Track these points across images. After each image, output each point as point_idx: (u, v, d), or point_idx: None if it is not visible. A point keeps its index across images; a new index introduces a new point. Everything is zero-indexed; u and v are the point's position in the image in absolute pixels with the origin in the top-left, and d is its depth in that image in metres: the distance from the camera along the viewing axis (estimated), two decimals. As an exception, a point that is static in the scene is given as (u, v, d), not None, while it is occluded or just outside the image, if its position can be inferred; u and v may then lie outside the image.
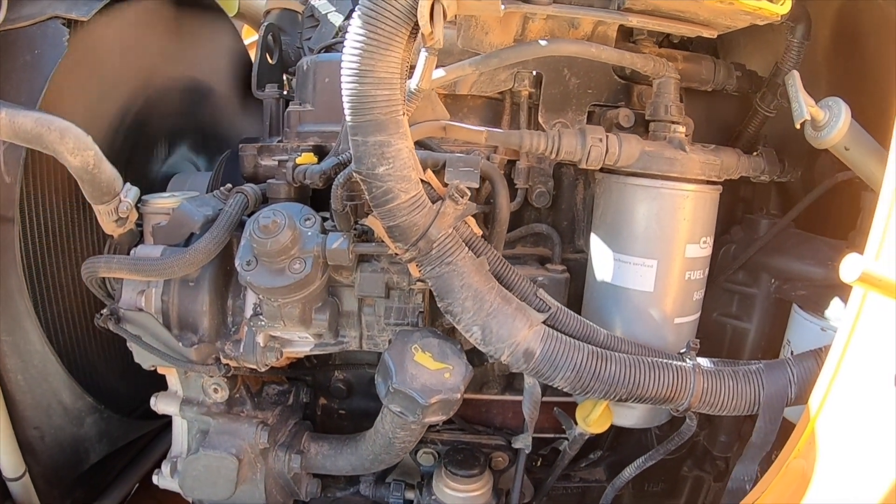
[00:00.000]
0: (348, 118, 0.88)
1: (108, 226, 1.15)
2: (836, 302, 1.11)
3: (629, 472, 1.20)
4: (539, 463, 1.43)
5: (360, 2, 0.85)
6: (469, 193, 0.97)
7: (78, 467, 1.31)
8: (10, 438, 1.14)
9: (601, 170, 1.13)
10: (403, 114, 0.90)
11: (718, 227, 1.41)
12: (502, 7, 0.95)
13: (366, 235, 1.07)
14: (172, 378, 1.21)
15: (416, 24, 0.85)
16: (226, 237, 1.09)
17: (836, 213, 1.24)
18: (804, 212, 1.27)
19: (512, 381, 1.38)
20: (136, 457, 1.55)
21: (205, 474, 1.11)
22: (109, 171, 1.10)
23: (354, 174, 0.93)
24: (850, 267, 0.66)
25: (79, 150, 1.04)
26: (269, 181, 1.19)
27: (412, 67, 0.97)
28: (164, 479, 1.20)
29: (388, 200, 0.91)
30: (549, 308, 1.03)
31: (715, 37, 1.09)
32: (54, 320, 1.22)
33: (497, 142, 1.08)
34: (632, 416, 1.19)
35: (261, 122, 1.53)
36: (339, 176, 1.00)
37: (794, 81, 1.06)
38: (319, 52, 1.48)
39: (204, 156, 1.68)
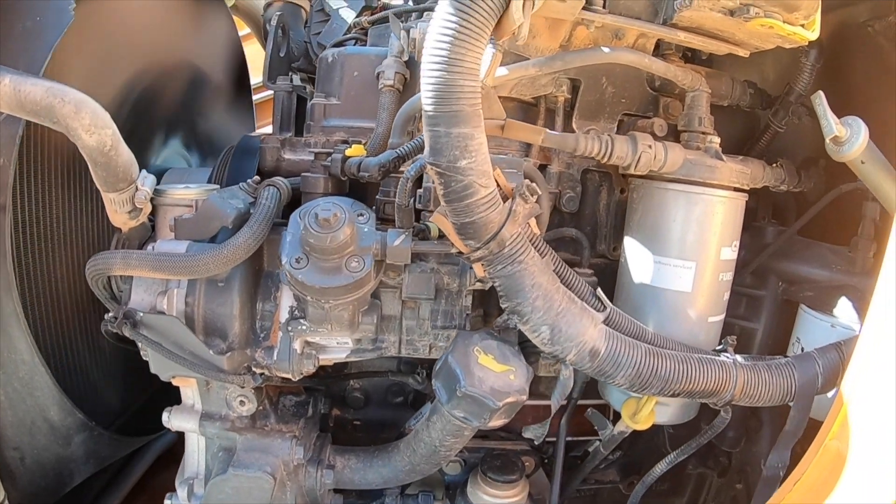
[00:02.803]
0: (430, 108, 0.85)
1: (119, 217, 1.03)
2: (843, 301, 1.21)
3: (661, 467, 1.23)
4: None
5: None
6: (539, 193, 0.96)
7: (59, 491, 1.14)
8: (-16, 463, 0.97)
9: (642, 177, 1.17)
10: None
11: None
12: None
13: (422, 234, 1.03)
14: (189, 390, 1.09)
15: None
16: (265, 232, 1.01)
17: (837, 221, 1.35)
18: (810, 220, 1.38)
19: (531, 386, 1.38)
20: (115, 476, 1.37)
21: (234, 497, 1.00)
22: (127, 155, 0.99)
23: (429, 167, 0.89)
24: None
25: (96, 128, 0.92)
26: (304, 175, 1.11)
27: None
28: (179, 503, 1.07)
29: (467, 196, 0.88)
30: (606, 308, 1.04)
31: (747, 55, 1.17)
32: (45, 325, 1.06)
33: (553, 143, 1.08)
34: (667, 413, 1.22)
35: (249, 121, 1.44)
36: (408, 168, 0.96)
37: (822, 101, 1.15)
38: (333, 46, 1.41)
39: (195, 151, 1.55)
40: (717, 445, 1.47)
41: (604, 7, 1.06)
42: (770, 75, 1.64)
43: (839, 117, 1.22)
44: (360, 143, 1.12)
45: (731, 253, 1.18)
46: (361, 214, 1.00)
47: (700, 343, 1.18)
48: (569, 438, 1.40)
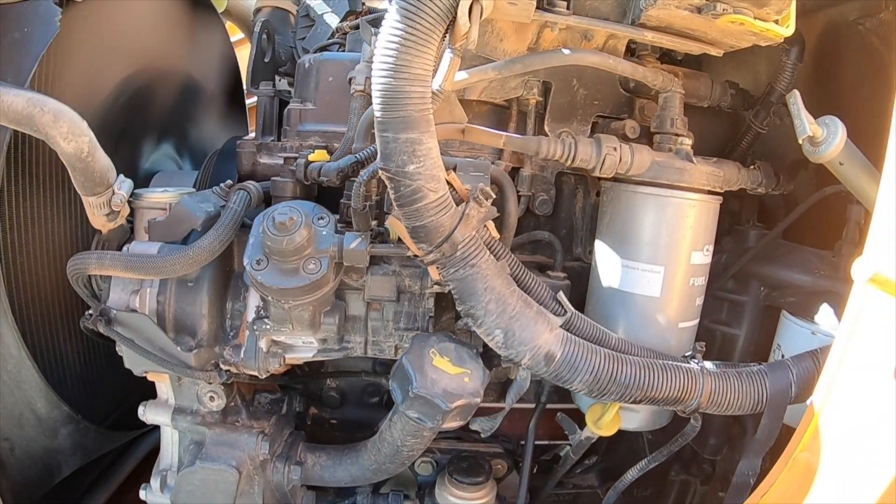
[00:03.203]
0: (379, 114, 0.87)
1: (98, 220, 1.08)
2: (824, 307, 1.18)
3: (632, 474, 1.22)
4: (536, 469, 1.43)
5: None
6: (493, 196, 0.97)
7: (48, 482, 1.21)
8: (-24, 452, 1.04)
9: (611, 179, 1.16)
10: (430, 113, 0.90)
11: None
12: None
13: (381, 237, 1.05)
14: (163, 385, 1.14)
15: (449, 23, 0.85)
16: (231, 235, 1.05)
17: (821, 224, 1.32)
18: (791, 223, 1.34)
19: (508, 389, 1.39)
20: (105, 470, 1.44)
21: (201, 489, 1.05)
22: (103, 161, 1.04)
23: (380, 172, 0.91)
24: (862, 268, 0.73)
25: (73, 136, 0.97)
26: (273, 179, 1.15)
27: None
28: (153, 494, 1.13)
29: (416, 200, 0.89)
30: (566, 312, 1.04)
31: (721, 55, 1.15)
32: (32, 321, 1.13)
33: (515, 146, 1.09)
34: (636, 419, 1.22)
35: (243, 126, 1.49)
36: (362, 173, 0.98)
37: (796, 100, 1.13)
38: (315, 52, 1.45)
39: (187, 155, 1.61)
40: (700, 453, 1.45)
41: (567, 8, 1.06)
42: (763, 75, 1.61)
43: (831, 116, 1.19)
44: (325, 148, 1.14)
45: (702, 257, 1.16)
46: (322, 218, 1.02)
47: (671, 349, 1.17)
48: (544, 442, 1.41)
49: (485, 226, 1.01)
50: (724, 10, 0.94)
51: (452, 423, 0.99)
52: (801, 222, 1.39)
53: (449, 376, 0.98)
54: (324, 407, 1.40)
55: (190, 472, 1.05)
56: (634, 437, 1.47)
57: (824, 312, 1.18)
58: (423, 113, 0.87)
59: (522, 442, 1.41)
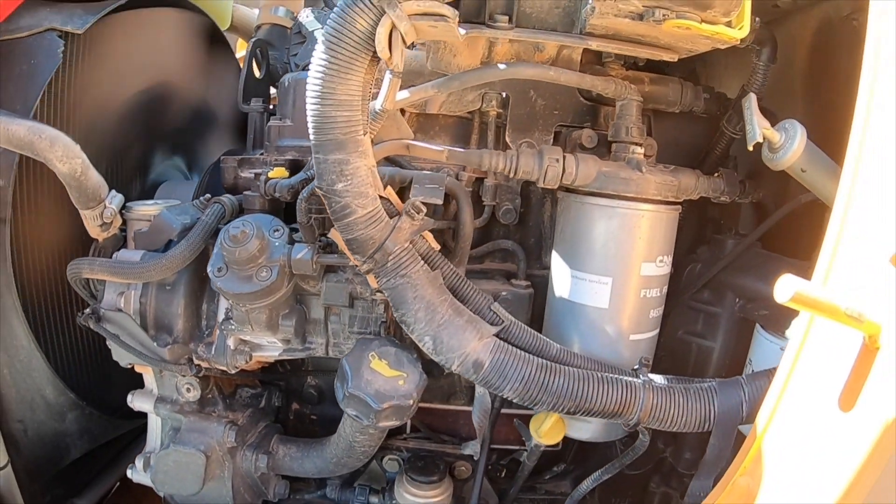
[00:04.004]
0: (311, 137, 0.98)
1: (94, 230, 1.26)
2: (796, 322, 1.17)
3: (586, 484, 1.27)
4: (503, 474, 1.50)
5: (325, 27, 0.94)
6: (424, 210, 1.05)
7: (59, 462, 1.42)
8: (-6, 429, 1.25)
9: (564, 189, 1.21)
10: (365, 133, 0.99)
11: (686, 246, 1.50)
12: (462, 32, 1.05)
13: (330, 247, 1.16)
14: (149, 377, 1.32)
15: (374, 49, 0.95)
16: (201, 245, 1.19)
17: (805, 233, 1.30)
18: (775, 232, 1.33)
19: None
20: (116, 456, 1.65)
21: (174, 469, 1.21)
22: (95, 179, 1.22)
23: (317, 189, 1.03)
24: (783, 287, 0.70)
25: (67, 158, 1.15)
26: (245, 193, 1.29)
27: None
28: (137, 473, 1.30)
29: (346, 215, 1.00)
30: (503, 321, 1.11)
31: (675, 60, 1.17)
32: (40, 318, 1.33)
33: (457, 160, 1.17)
34: (588, 430, 1.26)
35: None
36: (303, 191, 1.10)
37: (751, 104, 1.13)
38: (304, 67, 1.58)
39: (193, 165, 1.80)
40: (675, 467, 1.46)
41: (511, 21, 1.13)
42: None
43: (831, 117, 1.17)
44: (300, 162, 1.27)
45: (655, 268, 1.19)
46: (277, 230, 1.15)
47: (624, 361, 1.20)
48: (514, 447, 1.48)
49: (422, 236, 1.10)
50: (664, 15, 0.96)
51: (388, 423, 1.09)
52: (787, 231, 1.38)
53: (384, 378, 1.08)
54: (304, 403, 1.53)
55: (165, 453, 1.22)
56: (607, 447, 1.50)
57: (796, 328, 1.17)
58: (351, 135, 0.97)
59: (502, 447, 1.49)
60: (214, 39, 1.82)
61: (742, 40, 1.17)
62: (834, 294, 0.69)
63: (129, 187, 1.57)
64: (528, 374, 1.04)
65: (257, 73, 1.62)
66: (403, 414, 1.09)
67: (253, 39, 1.65)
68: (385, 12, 0.89)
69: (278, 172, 1.22)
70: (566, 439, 1.29)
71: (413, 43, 0.98)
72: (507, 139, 1.30)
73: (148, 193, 1.63)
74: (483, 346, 1.05)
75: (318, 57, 0.94)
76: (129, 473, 1.32)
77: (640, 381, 1.08)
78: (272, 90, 1.75)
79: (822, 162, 1.15)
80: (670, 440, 1.49)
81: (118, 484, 1.67)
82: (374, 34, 0.92)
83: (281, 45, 1.75)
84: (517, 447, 1.46)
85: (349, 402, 1.07)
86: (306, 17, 1.65)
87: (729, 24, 1.02)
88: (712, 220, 1.50)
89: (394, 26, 0.91)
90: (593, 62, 1.34)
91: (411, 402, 1.07)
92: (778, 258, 1.32)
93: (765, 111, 1.36)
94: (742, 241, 1.35)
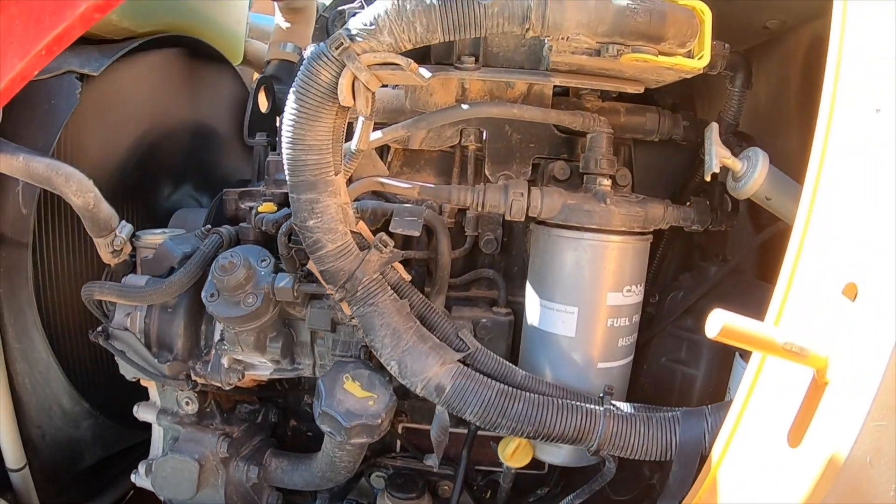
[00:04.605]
0: (287, 178, 1.10)
1: (106, 256, 1.42)
2: (755, 354, 1.21)
3: (561, 509, 1.33)
4: (489, 494, 1.58)
5: (296, 78, 1.06)
6: (392, 243, 1.16)
7: (74, 467, 1.59)
8: (15, 433, 1.43)
9: (534, 221, 1.29)
10: (337, 173, 1.11)
11: (672, 273, 1.54)
12: (427, 75, 1.14)
13: (312, 276, 1.28)
14: (153, 390, 1.47)
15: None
16: (198, 272, 1.33)
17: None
18: (766, 259, 1.36)
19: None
20: (131, 464, 1.82)
21: (171, 475, 1.35)
22: (107, 210, 1.38)
23: (293, 225, 1.15)
24: (713, 322, 0.72)
25: (81, 192, 1.32)
26: (240, 224, 1.43)
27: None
28: (139, 478, 1.46)
29: (318, 248, 1.12)
30: (468, 348, 1.20)
31: (641, 91, 1.24)
32: (58, 332, 1.50)
33: (428, 196, 1.27)
34: (559, 455, 1.33)
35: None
36: (283, 226, 1.23)
37: (711, 133, 1.18)
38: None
39: (207, 193, 1.97)
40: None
41: (478, 61, 1.23)
42: (762, 98, 1.63)
43: (755, 149, 1.20)
44: (276, 200, 1.40)
45: (622, 298, 1.25)
46: (264, 260, 1.28)
47: (594, 389, 1.25)
48: (496, 469, 1.55)
49: (393, 267, 1.21)
50: (618, 51, 1.02)
51: (359, 440, 1.19)
52: (776, 258, 1.40)
53: (355, 398, 1.19)
54: (301, 420, 1.66)
55: (163, 460, 1.36)
56: (593, 471, 1.55)
57: (753, 359, 1.21)
58: (320, 177, 1.08)
59: (478, 467, 1.57)
60: (226, 75, 2.00)
61: (712, 67, 1.23)
62: (768, 328, 0.72)
63: (145, 215, 1.75)
64: (487, 399, 1.12)
65: (263, 108, 1.76)
66: (373, 432, 1.19)
67: (259, 76, 1.81)
68: (345, 65, 1.00)
69: (267, 207, 1.35)
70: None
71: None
72: (487, 172, 1.39)
73: (164, 220, 1.80)
74: (445, 371, 1.14)
75: (290, 106, 1.06)
76: (132, 478, 1.47)
77: (601, 408, 1.15)
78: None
79: (790, 189, 1.18)
80: (657, 467, 1.53)
81: (132, 492, 1.83)
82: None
83: (288, 80, 1.89)
84: (500, 469, 1.54)
85: (323, 419, 1.18)
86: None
87: (689, 54, 1.07)
88: (699, 247, 1.54)
89: (355, 77, 1.03)
90: (570, 95, 1.42)
91: (380, 421, 1.17)
92: (761, 285, 1.35)
93: (742, 136, 1.42)
94: (722, 269, 1.39)
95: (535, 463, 1.42)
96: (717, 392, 1.40)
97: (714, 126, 1.19)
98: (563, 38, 1.01)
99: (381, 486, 1.53)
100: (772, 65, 1.59)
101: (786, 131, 1.52)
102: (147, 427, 1.56)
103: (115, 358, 1.40)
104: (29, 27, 0.85)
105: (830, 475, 0.67)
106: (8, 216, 1.42)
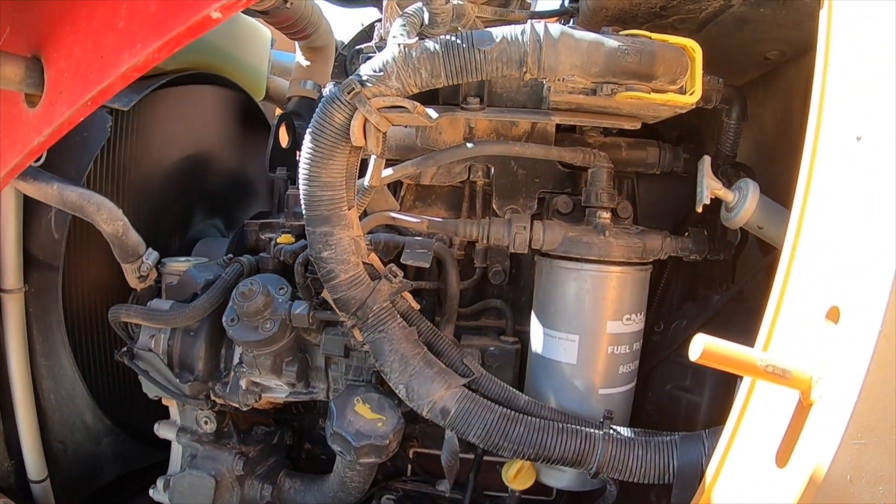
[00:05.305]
0: (303, 212, 1.22)
1: (133, 281, 1.56)
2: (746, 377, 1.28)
3: (561, 531, 1.41)
4: (497, 520, 1.65)
5: (312, 120, 1.18)
6: (401, 274, 1.27)
7: (93, 483, 1.70)
8: (38, 446, 1.55)
9: (538, 253, 1.39)
10: (351, 208, 1.22)
11: (676, 301, 1.62)
12: (434, 115, 1.25)
13: (326, 304, 1.39)
14: (173, 409, 1.59)
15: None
16: (220, 298, 1.46)
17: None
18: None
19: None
20: (147, 485, 1.92)
21: (188, 491, 1.45)
22: (135, 238, 1.52)
23: (309, 256, 1.27)
24: (695, 345, 0.73)
25: (111, 220, 1.45)
26: (260, 254, 1.55)
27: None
28: (157, 493, 1.57)
29: (331, 278, 1.23)
30: (473, 373, 1.29)
31: (638, 127, 1.33)
32: (85, 352, 1.63)
33: (436, 229, 1.38)
34: (563, 478, 1.40)
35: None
36: (299, 257, 1.35)
37: (703, 166, 1.26)
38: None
39: (230, 224, 2.12)
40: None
41: (482, 102, 1.34)
42: (769, 128, 1.72)
43: (746, 179, 1.27)
44: (293, 232, 1.53)
45: (622, 326, 1.33)
46: (282, 288, 1.40)
47: (596, 414, 1.33)
48: (503, 494, 1.63)
49: (402, 296, 1.31)
50: (612, 90, 1.10)
51: (368, 460, 1.29)
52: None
53: (364, 420, 1.28)
54: (315, 443, 1.76)
55: (181, 476, 1.47)
56: (599, 496, 1.62)
57: (744, 382, 1.28)
58: (334, 211, 1.20)
59: (486, 492, 1.65)
60: (250, 111, 2.16)
61: (707, 101, 1.32)
62: (749, 351, 0.75)
63: (169, 243, 1.89)
64: (490, 422, 1.21)
65: (284, 143, 1.91)
66: (381, 453, 1.28)
67: (280, 113, 1.95)
68: (357, 108, 1.12)
69: (285, 239, 1.47)
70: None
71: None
72: (495, 206, 1.49)
73: (187, 248, 1.94)
74: (450, 395, 1.23)
75: (306, 146, 1.17)
76: (150, 492, 1.58)
77: (600, 432, 1.23)
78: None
79: (781, 217, 1.24)
80: (663, 493, 1.59)
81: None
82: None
83: (308, 116, 2.03)
84: (503, 494, 1.61)
85: (334, 439, 1.28)
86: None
87: (681, 90, 1.14)
88: (703, 276, 1.62)
89: (366, 119, 1.14)
90: (576, 131, 1.52)
91: (388, 441, 1.27)
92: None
93: (740, 166, 1.50)
94: (723, 296, 1.46)
95: (543, 489, 1.50)
96: (721, 418, 1.44)
97: (706, 159, 1.28)
98: (559, 80, 1.11)
99: (390, 508, 1.62)
100: (776, 95, 1.67)
101: (792, 161, 1.59)
102: (164, 448, 1.68)
103: (139, 377, 1.52)
104: (77, 83, 0.98)
105: (811, 494, 0.70)
106: (40, 240, 1.56)
